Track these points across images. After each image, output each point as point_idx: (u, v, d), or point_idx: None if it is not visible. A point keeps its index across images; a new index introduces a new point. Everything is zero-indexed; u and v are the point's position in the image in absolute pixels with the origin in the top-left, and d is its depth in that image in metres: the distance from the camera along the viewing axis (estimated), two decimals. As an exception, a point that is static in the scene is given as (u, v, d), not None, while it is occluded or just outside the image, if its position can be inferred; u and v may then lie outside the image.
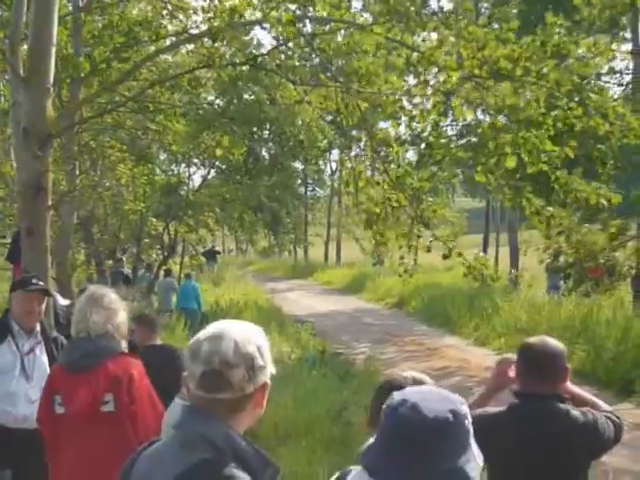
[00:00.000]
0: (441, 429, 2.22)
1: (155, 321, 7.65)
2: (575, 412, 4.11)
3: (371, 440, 2.35)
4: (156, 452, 2.69)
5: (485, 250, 35.66)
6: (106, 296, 5.13)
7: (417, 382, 2.82)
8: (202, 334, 2.66)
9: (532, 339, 4.36)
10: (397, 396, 2.32)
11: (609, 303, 18.99)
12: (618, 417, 4.29)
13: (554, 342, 4.28)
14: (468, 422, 2.28)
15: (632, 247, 18.59)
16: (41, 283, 6.23)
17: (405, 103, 11.33)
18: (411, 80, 11.33)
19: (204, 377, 2.56)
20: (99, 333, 4.96)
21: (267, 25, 10.47)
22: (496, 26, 10.38)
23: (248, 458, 2.53)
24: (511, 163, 10.89)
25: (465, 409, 2.29)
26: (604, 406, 4.34)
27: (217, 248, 50.40)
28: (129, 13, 15.64)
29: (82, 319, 5.03)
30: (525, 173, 11.65)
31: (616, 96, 12.75)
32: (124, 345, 5.16)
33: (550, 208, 11.82)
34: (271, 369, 2.72)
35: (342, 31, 11.82)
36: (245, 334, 2.64)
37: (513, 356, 4.36)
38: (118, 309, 5.11)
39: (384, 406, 2.34)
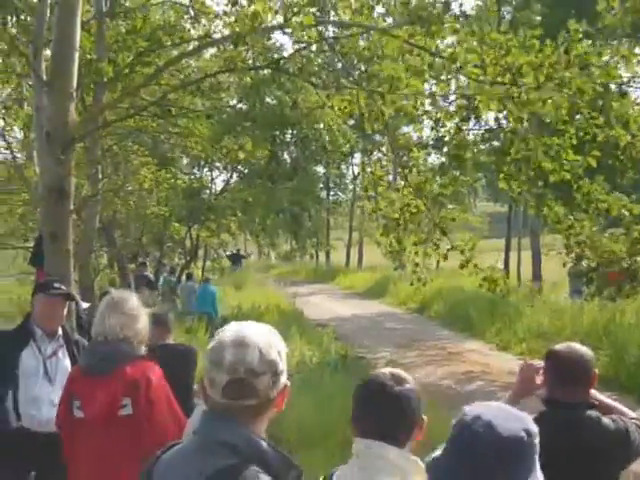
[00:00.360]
0: (516, 448, 2.24)
1: (169, 320, 7.62)
2: (606, 419, 4.08)
3: (437, 452, 2.34)
4: (176, 456, 2.69)
5: (507, 254, 35.61)
6: (127, 301, 5.12)
7: (395, 377, 2.82)
8: (224, 340, 2.62)
9: (559, 346, 4.30)
10: (469, 412, 2.33)
11: (632, 308, 18.87)
12: None
13: (582, 348, 4.24)
14: (537, 440, 2.28)
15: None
16: (63, 287, 6.23)
17: (428, 107, 11.32)
18: (433, 84, 11.28)
19: (229, 386, 2.56)
20: (116, 337, 4.97)
21: (289, 30, 10.47)
22: (520, 32, 10.28)
23: (271, 461, 2.54)
24: (537, 164, 10.83)
25: (535, 427, 2.30)
26: (629, 413, 4.30)
27: (242, 252, 50.58)
28: (152, 18, 15.68)
29: (100, 323, 5.04)
30: (547, 181, 11.60)
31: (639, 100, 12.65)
32: (143, 349, 5.16)
33: (571, 217, 11.78)
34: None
35: (364, 35, 11.81)
36: (267, 339, 2.64)
37: (538, 362, 4.32)
38: (139, 315, 5.10)
39: (454, 420, 2.34)
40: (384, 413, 2.76)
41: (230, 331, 2.66)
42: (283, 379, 2.66)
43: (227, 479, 2.45)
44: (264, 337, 2.64)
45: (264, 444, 2.56)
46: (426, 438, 9.07)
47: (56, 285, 6.12)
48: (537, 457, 2.28)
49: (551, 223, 12.26)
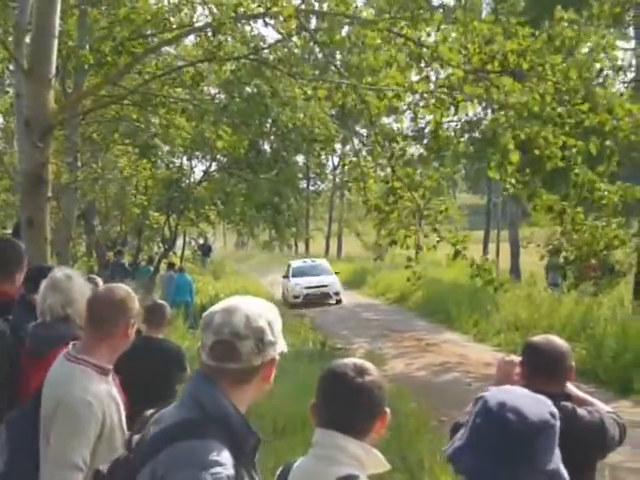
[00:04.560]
0: (545, 431, 2.27)
1: (165, 313, 7.44)
2: (581, 410, 4.12)
3: (457, 443, 2.35)
4: (162, 412, 2.81)
5: (486, 246, 35.78)
6: (69, 279, 4.88)
7: (357, 368, 2.82)
8: (217, 307, 2.77)
9: (537, 338, 4.35)
10: (491, 399, 2.34)
11: (609, 301, 19.00)
12: (620, 417, 4.30)
13: (560, 341, 4.29)
14: (558, 422, 2.33)
15: (633, 245, 18.57)
16: None
17: (409, 98, 11.32)
18: (414, 77, 11.28)
19: (214, 347, 2.67)
20: (57, 317, 4.76)
21: (270, 21, 10.46)
22: (503, 18, 10.33)
23: (234, 425, 2.63)
24: (515, 158, 10.87)
25: (556, 410, 2.34)
26: (604, 407, 4.34)
27: (211, 244, 50.73)
28: (137, 9, 15.53)
29: (42, 302, 4.81)
30: (536, 169, 11.64)
31: (619, 93, 12.70)
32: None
33: (564, 203, 11.81)
34: (282, 346, 2.81)
35: (345, 27, 11.81)
36: (257, 308, 2.75)
37: (515, 357, 4.35)
38: (82, 293, 4.75)
39: (477, 409, 2.36)
40: (344, 404, 2.76)
41: (225, 301, 2.81)
42: (271, 351, 2.74)
43: (183, 431, 2.56)
44: (254, 306, 2.76)
45: (230, 408, 2.65)
46: (403, 427, 9.07)
47: None
48: (557, 436, 2.32)
49: (542, 212, 12.27)
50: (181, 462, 2.49)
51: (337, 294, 31.02)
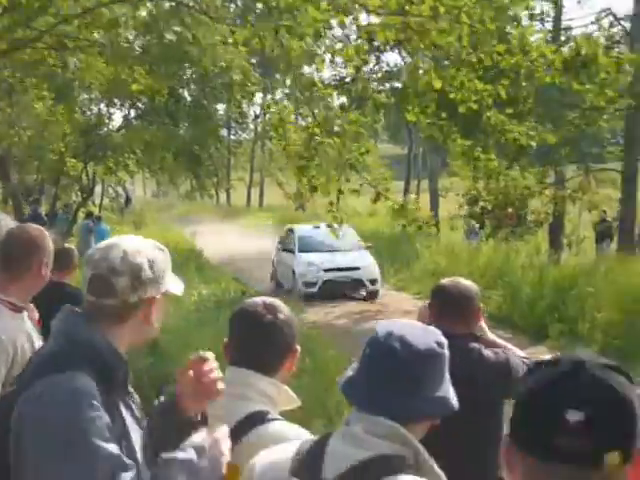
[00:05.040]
0: (430, 359, 2.28)
1: (73, 256, 7.33)
2: (487, 351, 4.21)
3: (349, 373, 2.35)
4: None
5: (406, 196, 36.12)
6: None
7: (267, 306, 2.88)
8: (100, 244, 2.76)
9: (445, 280, 4.47)
10: (381, 329, 2.34)
11: (526, 249, 19.34)
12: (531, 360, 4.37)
13: (467, 282, 4.39)
14: (447, 352, 2.35)
15: (550, 194, 18.91)
16: None
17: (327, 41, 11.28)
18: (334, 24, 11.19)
19: (92, 281, 2.65)
20: None
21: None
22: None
23: (102, 354, 2.60)
24: (437, 84, 10.84)
25: (444, 339, 2.35)
26: (518, 352, 4.41)
27: (130, 194, 50.56)
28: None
29: None
30: (453, 112, 11.73)
31: (535, 39, 12.88)
32: None
33: (479, 149, 11.95)
34: (170, 287, 2.78)
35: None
36: (137, 246, 2.73)
37: None
38: None
39: (368, 339, 2.36)
40: (254, 341, 2.82)
41: (110, 239, 2.81)
42: (151, 290, 2.70)
43: (47, 364, 2.55)
44: (135, 243, 2.74)
45: (101, 339, 2.63)
46: (322, 373, 9.15)
47: None
48: (447, 366, 2.34)
49: (456, 155, 12.40)
50: (43, 395, 2.47)
51: (374, 283, 20.10)
